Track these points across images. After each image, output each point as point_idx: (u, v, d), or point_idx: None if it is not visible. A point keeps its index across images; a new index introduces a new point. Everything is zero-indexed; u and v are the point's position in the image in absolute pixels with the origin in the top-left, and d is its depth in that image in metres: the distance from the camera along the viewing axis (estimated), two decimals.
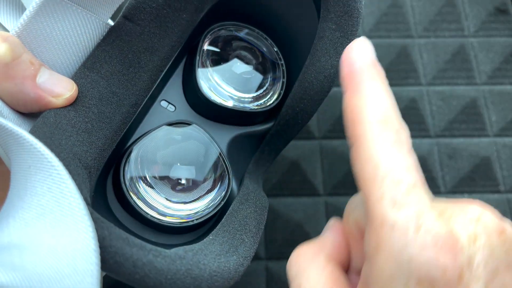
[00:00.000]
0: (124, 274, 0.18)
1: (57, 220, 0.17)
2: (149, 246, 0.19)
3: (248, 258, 0.23)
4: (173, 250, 0.20)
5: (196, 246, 0.22)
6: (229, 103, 0.28)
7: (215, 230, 0.23)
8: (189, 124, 0.27)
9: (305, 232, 0.37)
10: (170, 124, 0.26)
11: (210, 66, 0.28)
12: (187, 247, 0.21)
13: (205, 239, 0.23)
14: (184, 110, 0.28)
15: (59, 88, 0.21)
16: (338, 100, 0.40)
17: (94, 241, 0.17)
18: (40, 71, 0.21)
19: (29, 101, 0.21)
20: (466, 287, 0.16)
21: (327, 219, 0.38)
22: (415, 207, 0.16)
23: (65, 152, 0.20)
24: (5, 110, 0.20)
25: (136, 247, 0.19)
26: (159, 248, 0.20)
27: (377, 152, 0.17)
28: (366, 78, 0.19)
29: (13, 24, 0.23)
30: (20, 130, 0.18)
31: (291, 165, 0.38)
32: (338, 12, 0.25)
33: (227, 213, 0.25)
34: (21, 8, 0.23)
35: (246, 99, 0.28)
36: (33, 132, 0.20)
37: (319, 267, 0.21)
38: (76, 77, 0.22)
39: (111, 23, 0.24)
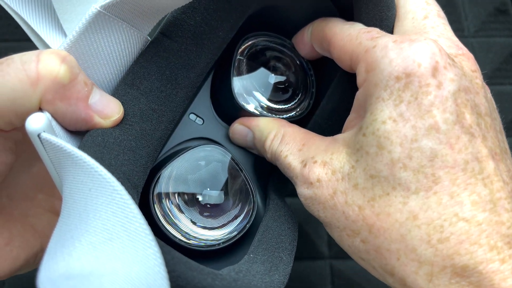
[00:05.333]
0: None
1: (125, 246, 0.17)
2: (206, 269, 0.20)
3: (287, 276, 0.23)
4: (225, 271, 0.21)
5: (243, 266, 0.22)
6: (262, 113, 0.28)
7: (253, 247, 0.24)
8: (216, 146, 0.27)
9: (305, 232, 0.37)
10: (199, 145, 0.26)
11: (245, 76, 0.28)
12: (236, 268, 0.22)
13: (246, 257, 0.23)
14: (212, 123, 0.28)
15: (109, 110, 0.21)
16: None
17: (163, 267, 0.17)
18: (92, 91, 0.21)
19: (79, 121, 0.21)
20: (439, 82, 0.19)
21: None
22: (387, 36, 0.21)
23: (117, 172, 0.20)
24: (57, 128, 0.20)
25: (196, 271, 0.19)
26: (214, 271, 0.20)
27: None
28: None
29: (51, 37, 0.23)
30: (80, 152, 0.18)
31: None
32: (371, 24, 0.25)
33: (262, 230, 0.25)
34: (57, 21, 0.23)
35: (277, 109, 0.28)
36: (82, 150, 0.20)
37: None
38: (117, 94, 0.22)
39: (149, 38, 0.24)
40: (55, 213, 0.25)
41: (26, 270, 0.24)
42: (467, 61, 0.23)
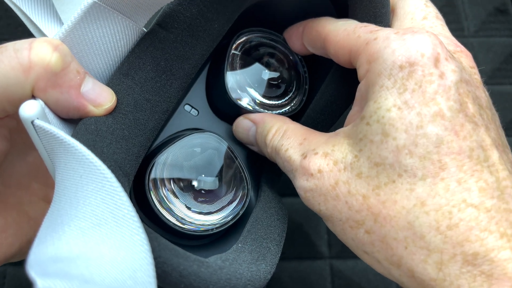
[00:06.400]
0: (170, 283, 0.19)
1: (112, 231, 0.17)
2: (192, 256, 0.20)
3: (274, 265, 0.23)
4: (212, 259, 0.21)
5: (230, 255, 0.22)
6: (255, 108, 0.28)
7: (242, 237, 0.24)
8: (211, 133, 0.27)
9: (305, 232, 0.37)
10: (194, 132, 0.27)
11: (238, 71, 0.28)
12: (222, 256, 0.22)
13: (234, 247, 0.23)
14: (206, 115, 0.28)
15: (101, 98, 0.22)
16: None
17: (149, 253, 0.17)
18: (84, 80, 0.21)
19: (71, 109, 0.21)
20: (441, 72, 0.20)
21: None
22: (387, 29, 0.22)
23: (108, 160, 0.21)
24: (50, 116, 0.20)
25: (182, 257, 0.20)
26: (200, 258, 0.20)
27: None
28: None
29: (48, 26, 0.23)
30: (72, 139, 0.18)
31: None
32: (365, 20, 0.25)
33: (251, 220, 0.25)
34: (54, 11, 0.23)
35: (270, 105, 0.29)
36: (75, 138, 0.20)
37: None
38: (112, 83, 0.23)
39: (145, 30, 0.25)
40: (49, 202, 0.26)
41: (20, 258, 0.25)
42: (465, 58, 0.23)
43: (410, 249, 0.19)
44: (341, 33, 0.24)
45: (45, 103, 0.20)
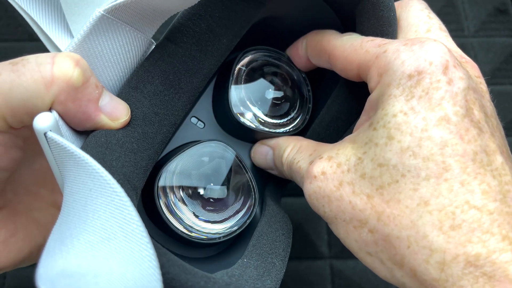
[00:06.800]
0: None
1: (121, 246, 0.17)
2: (200, 272, 0.20)
3: (279, 281, 0.24)
4: (218, 275, 0.22)
5: (236, 271, 0.23)
6: (257, 126, 0.28)
7: (247, 252, 0.25)
8: (220, 142, 0.27)
9: (305, 232, 0.37)
10: (204, 140, 0.27)
11: (242, 88, 0.28)
12: (229, 272, 0.22)
13: (239, 262, 0.24)
14: (212, 128, 0.29)
15: (118, 112, 0.22)
16: None
17: (158, 270, 0.17)
18: (102, 94, 0.22)
19: (89, 122, 0.21)
20: (449, 78, 0.20)
21: None
22: (396, 41, 0.22)
23: (117, 174, 0.21)
24: (64, 128, 0.21)
25: (189, 274, 0.20)
26: (207, 274, 0.21)
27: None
28: None
29: (60, 37, 0.23)
30: (83, 153, 0.18)
31: None
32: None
33: (256, 235, 0.26)
34: (65, 23, 0.24)
35: (273, 124, 0.29)
36: (84, 151, 0.20)
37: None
38: (121, 97, 0.23)
39: (153, 40, 0.25)
40: (57, 207, 0.26)
41: (29, 263, 0.25)
42: (471, 68, 0.23)
43: (413, 248, 0.19)
44: (348, 48, 0.24)
45: (63, 116, 0.21)
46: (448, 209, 0.19)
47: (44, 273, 0.16)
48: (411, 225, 0.19)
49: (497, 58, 0.42)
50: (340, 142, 0.24)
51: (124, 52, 0.23)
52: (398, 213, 0.20)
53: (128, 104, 0.23)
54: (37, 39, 0.24)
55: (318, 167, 0.22)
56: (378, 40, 0.23)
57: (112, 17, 0.21)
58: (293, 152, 0.26)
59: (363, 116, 0.24)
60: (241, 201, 0.27)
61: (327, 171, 0.22)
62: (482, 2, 0.44)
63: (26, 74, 0.19)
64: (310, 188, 0.23)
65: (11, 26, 0.42)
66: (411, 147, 0.20)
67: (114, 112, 0.22)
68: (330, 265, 0.37)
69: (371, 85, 0.22)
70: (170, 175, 0.25)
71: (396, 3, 0.26)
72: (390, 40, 0.23)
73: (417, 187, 0.19)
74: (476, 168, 0.19)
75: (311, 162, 0.23)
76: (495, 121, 0.22)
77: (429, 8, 0.26)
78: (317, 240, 0.37)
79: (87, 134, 0.22)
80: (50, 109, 0.20)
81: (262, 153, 0.28)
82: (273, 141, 0.28)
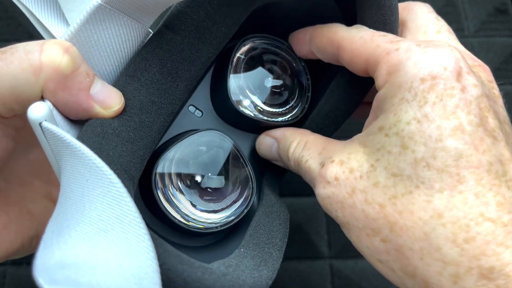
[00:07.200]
0: None
1: (118, 237, 0.17)
2: (197, 263, 0.20)
3: (276, 271, 0.24)
4: (215, 266, 0.21)
5: (232, 261, 0.23)
6: (256, 115, 0.28)
7: (244, 242, 0.24)
8: (218, 132, 0.27)
9: (305, 232, 0.37)
10: (201, 129, 0.27)
11: (241, 77, 0.28)
12: (226, 262, 0.22)
13: (236, 251, 0.24)
14: (210, 117, 0.28)
15: (110, 100, 0.22)
16: None
17: (155, 261, 0.17)
18: (93, 82, 0.21)
19: (80, 110, 0.21)
20: (463, 86, 0.20)
21: (327, 219, 0.38)
22: (409, 41, 0.22)
23: (114, 164, 0.21)
24: (58, 117, 0.20)
25: (186, 264, 0.20)
26: (204, 264, 0.21)
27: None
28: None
29: (55, 26, 0.23)
30: (79, 143, 0.18)
31: None
32: (374, 27, 0.25)
33: (254, 225, 0.25)
34: (60, 11, 0.23)
35: (272, 113, 0.29)
36: (81, 140, 0.20)
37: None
38: (118, 85, 0.23)
39: (150, 31, 0.25)
40: (52, 199, 0.26)
41: (21, 255, 0.25)
42: (484, 72, 0.23)
43: (426, 261, 0.19)
44: (357, 41, 0.23)
45: (54, 105, 0.20)
46: (462, 221, 0.19)
47: (42, 264, 0.16)
48: (424, 237, 0.19)
49: (497, 58, 0.42)
50: (349, 142, 0.23)
51: (121, 42, 0.22)
52: (411, 225, 0.19)
53: (125, 92, 0.23)
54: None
55: (331, 172, 0.22)
56: (391, 36, 0.23)
57: (109, 6, 0.21)
58: (300, 147, 0.26)
59: (371, 115, 0.23)
60: (238, 191, 0.27)
61: (339, 176, 0.22)
62: (482, 2, 0.44)
63: (14, 62, 0.19)
64: (323, 193, 0.23)
65: (11, 26, 0.42)
66: (425, 157, 0.19)
67: (107, 100, 0.21)
68: (330, 265, 0.37)
69: (378, 82, 0.22)
70: (167, 164, 0.25)
71: (400, 7, 0.26)
72: (402, 38, 0.22)
73: (430, 199, 0.19)
74: (491, 180, 0.19)
75: (322, 165, 0.23)
76: (508, 127, 0.21)
77: (435, 12, 0.26)
78: (317, 240, 0.37)
79: (82, 123, 0.22)
80: (43, 99, 0.20)
81: (267, 144, 0.28)
82: (278, 133, 0.28)
